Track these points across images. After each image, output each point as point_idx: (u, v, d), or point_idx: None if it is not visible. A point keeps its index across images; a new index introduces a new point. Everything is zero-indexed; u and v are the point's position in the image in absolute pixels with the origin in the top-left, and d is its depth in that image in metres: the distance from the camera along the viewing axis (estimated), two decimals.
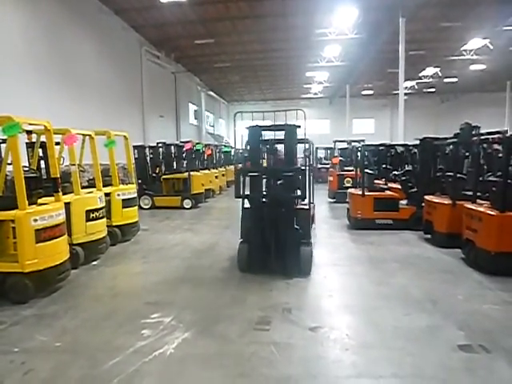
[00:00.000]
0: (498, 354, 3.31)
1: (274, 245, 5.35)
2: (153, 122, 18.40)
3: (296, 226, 5.42)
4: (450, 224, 6.64)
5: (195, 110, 27.46)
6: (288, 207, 5.40)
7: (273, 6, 14.78)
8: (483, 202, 6.04)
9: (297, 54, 21.20)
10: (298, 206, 5.78)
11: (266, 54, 21.08)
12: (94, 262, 6.18)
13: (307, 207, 5.93)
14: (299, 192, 5.34)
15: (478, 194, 6.27)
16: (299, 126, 5.50)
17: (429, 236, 7.46)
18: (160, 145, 13.56)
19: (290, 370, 3.07)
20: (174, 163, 13.78)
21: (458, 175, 6.87)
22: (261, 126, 5.57)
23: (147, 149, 12.90)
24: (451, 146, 7.62)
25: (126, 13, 15.00)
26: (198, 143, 14.74)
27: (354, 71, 23.75)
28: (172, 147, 13.82)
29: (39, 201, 5.15)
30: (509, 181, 5.34)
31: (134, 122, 16.42)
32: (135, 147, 12.02)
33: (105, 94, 14.07)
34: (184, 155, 13.39)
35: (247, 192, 5.54)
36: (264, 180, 5.67)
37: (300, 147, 6.18)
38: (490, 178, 6.11)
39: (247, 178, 5.56)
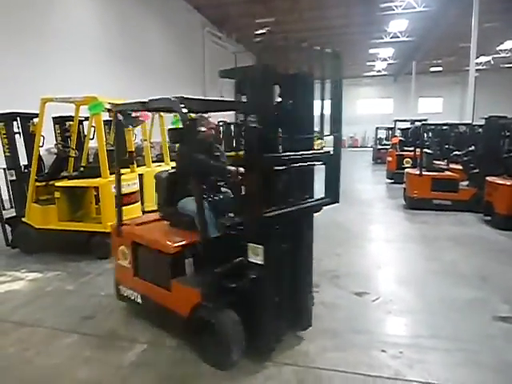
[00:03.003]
0: None
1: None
2: None
3: None
4: None
5: None
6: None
7: None
8: None
9: (360, 31, 20.64)
10: None
11: (328, 31, 20.72)
12: None
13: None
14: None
15: None
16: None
17: (489, 218, 7.28)
18: (220, 124, 14.12)
19: (334, 325, 3.41)
20: (234, 141, 14.32)
21: None
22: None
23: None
24: None
25: None
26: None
27: (421, 47, 22.61)
28: (232, 126, 14.34)
29: None
30: None
31: None
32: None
33: (169, 75, 14.85)
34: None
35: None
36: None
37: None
38: None
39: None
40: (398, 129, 16.37)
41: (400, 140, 13.83)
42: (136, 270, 3.40)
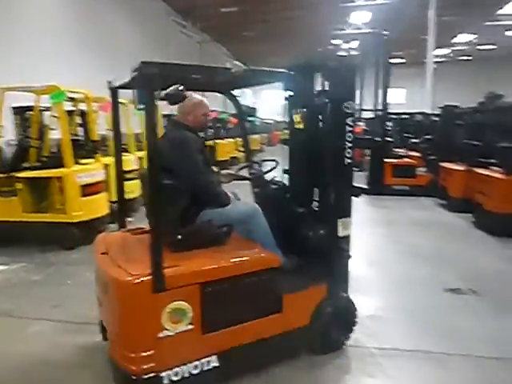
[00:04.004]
0: (484, 296, 3.77)
1: None
2: None
3: None
4: (464, 189, 6.89)
5: None
6: None
7: None
8: (497, 168, 6.25)
9: (322, 21, 20.87)
10: None
11: (291, 21, 20.83)
12: (129, 219, 6.82)
13: None
14: None
15: (493, 160, 6.47)
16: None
17: (444, 201, 7.73)
18: None
19: None
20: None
21: (475, 142, 7.04)
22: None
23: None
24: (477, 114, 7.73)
25: None
26: (223, 112, 15.15)
27: (382, 38, 23.16)
28: None
29: (80, 162, 5.77)
30: None
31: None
32: (164, 116, 12.55)
33: (135, 63, 14.57)
34: (209, 124, 13.86)
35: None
36: None
37: None
38: (503, 145, 6.28)
39: None
40: (363, 118, 16.82)
41: (363, 129, 14.26)
42: (209, 324, 2.34)
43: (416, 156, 9.16)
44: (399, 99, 34.30)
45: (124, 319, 2.22)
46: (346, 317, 2.87)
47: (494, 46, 26.55)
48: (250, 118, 20.92)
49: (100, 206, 5.55)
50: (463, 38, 23.88)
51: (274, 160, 3.15)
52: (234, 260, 2.40)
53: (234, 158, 14.62)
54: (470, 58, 30.23)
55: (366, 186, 8.48)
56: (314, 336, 2.75)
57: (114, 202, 6.40)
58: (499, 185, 5.60)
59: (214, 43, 24.05)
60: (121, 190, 2.93)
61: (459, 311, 3.50)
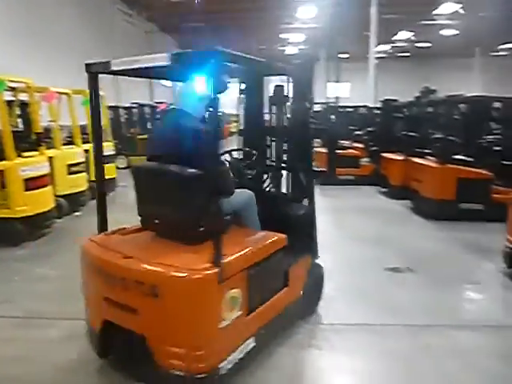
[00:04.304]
0: (419, 273, 4.16)
1: None
2: (126, 82, 18.17)
3: None
4: (402, 178, 7.41)
5: None
6: None
7: None
8: (431, 157, 6.79)
9: (270, 15, 21.10)
10: None
11: (239, 14, 20.88)
12: (77, 213, 6.65)
13: None
14: None
15: (428, 150, 7.01)
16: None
17: (385, 190, 8.24)
18: (134, 105, 13.70)
19: None
20: (149, 124, 14.02)
21: (411, 134, 7.57)
22: None
23: (122, 109, 13.05)
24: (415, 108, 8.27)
25: None
26: (171, 104, 14.92)
27: (328, 34, 23.85)
28: (146, 108, 14.00)
29: (23, 154, 5.52)
30: (449, 138, 6.08)
31: (107, 83, 16.27)
32: (110, 108, 12.16)
33: (78, 54, 13.85)
34: (158, 116, 13.62)
35: None
36: None
37: None
38: (436, 136, 6.83)
39: None
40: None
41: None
42: (250, 306, 2.42)
43: (360, 147, 9.65)
44: (344, 93, 35.57)
45: (189, 316, 2.10)
46: (322, 281, 3.39)
47: (430, 44, 28.26)
48: None
49: (45, 200, 5.35)
50: (403, 35, 25.17)
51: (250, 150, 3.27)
52: (262, 243, 2.55)
53: None
54: (408, 54, 31.93)
55: (323, 169, 8.88)
56: (304, 302, 3.09)
57: (59, 197, 6.21)
58: (432, 173, 6.11)
59: (161, 33, 23.49)
60: (101, 187, 2.75)
61: (398, 287, 3.85)
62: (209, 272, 2.08)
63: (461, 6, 18.73)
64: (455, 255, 4.77)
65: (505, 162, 6.12)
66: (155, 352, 2.13)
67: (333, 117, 10.10)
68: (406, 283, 3.96)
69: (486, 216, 5.79)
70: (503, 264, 4.12)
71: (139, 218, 2.73)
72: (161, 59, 2.17)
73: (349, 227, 5.92)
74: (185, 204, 2.37)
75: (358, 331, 3.08)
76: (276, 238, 2.68)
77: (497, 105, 7.18)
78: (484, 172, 6.00)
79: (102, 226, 2.78)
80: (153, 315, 2.15)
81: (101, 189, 2.77)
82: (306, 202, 3.23)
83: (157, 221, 2.57)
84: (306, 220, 3.14)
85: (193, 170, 2.30)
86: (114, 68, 2.41)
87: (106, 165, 7.88)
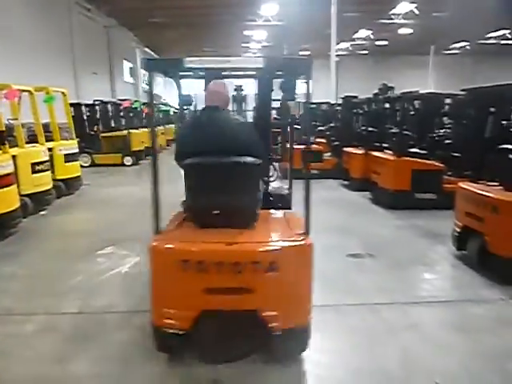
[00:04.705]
0: (379, 258, 4.49)
1: None
2: (86, 78, 17.80)
3: None
4: (362, 171, 7.80)
5: (130, 68, 26.61)
6: None
7: None
8: (389, 151, 7.19)
9: (233, 12, 21.17)
10: None
11: (203, 10, 20.78)
12: (42, 212, 6.56)
13: None
14: None
15: (386, 145, 7.42)
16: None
17: (347, 182, 8.63)
18: (97, 102, 13.44)
19: None
20: (112, 121, 13.80)
21: (370, 129, 7.98)
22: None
23: (84, 107, 12.78)
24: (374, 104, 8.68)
25: None
26: (136, 101, 14.75)
27: (290, 31, 24.23)
28: (109, 105, 13.77)
29: None
30: (404, 132, 6.49)
31: (65, 79, 15.82)
32: (71, 105, 11.88)
33: (34, 49, 13.46)
34: (122, 113, 13.46)
35: None
36: None
37: None
38: (392, 131, 7.25)
39: None
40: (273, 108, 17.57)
41: (275, 118, 14.98)
42: None
43: (323, 142, 10.00)
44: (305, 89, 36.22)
45: (303, 279, 2.54)
46: None
47: (387, 42, 29.31)
48: (164, 108, 20.57)
49: (10, 199, 5.27)
50: (362, 33, 25.97)
51: None
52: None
53: (148, 148, 14.37)
54: (367, 52, 32.92)
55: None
56: None
57: (23, 196, 6.10)
58: (389, 165, 6.51)
59: (120, 28, 22.99)
60: (156, 188, 2.58)
61: (359, 271, 4.15)
62: (309, 238, 2.57)
63: (415, 5, 19.62)
64: (411, 240, 5.15)
65: (455, 154, 6.60)
66: (268, 320, 2.40)
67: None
68: (366, 267, 4.27)
69: (439, 204, 6.20)
70: (453, 247, 4.52)
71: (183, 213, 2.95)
72: (255, 62, 2.70)
73: (313, 218, 6.18)
74: (249, 189, 2.67)
75: (323, 312, 3.31)
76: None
77: (447, 101, 7.69)
78: (436, 164, 6.46)
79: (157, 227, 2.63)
80: (268, 289, 2.40)
81: (156, 195, 2.61)
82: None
83: (216, 211, 2.59)
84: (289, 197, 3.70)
85: (253, 159, 2.57)
86: (188, 66, 2.52)
87: (70, 163, 7.96)
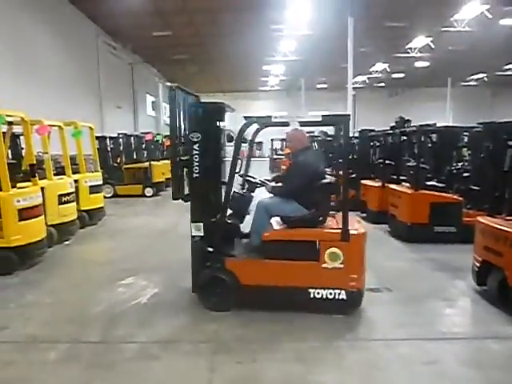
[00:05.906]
0: (396, 292, 4.46)
1: None
2: (110, 112, 18.62)
3: None
4: (380, 203, 7.81)
5: (153, 102, 27.65)
6: None
7: (228, 1, 15.49)
8: (406, 184, 7.23)
9: (253, 48, 21.97)
10: None
11: (223, 47, 21.67)
12: (66, 242, 6.78)
13: None
14: None
15: (403, 177, 7.47)
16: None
17: (364, 214, 8.62)
18: (121, 136, 13.96)
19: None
20: (135, 153, 14.26)
21: (387, 162, 8.05)
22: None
23: (108, 139, 13.30)
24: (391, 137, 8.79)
25: (82, 2, 15.11)
26: (157, 134, 15.26)
27: (308, 66, 24.93)
28: (132, 138, 14.29)
29: (17, 185, 5.70)
30: (421, 165, 6.54)
31: (91, 113, 16.60)
32: (96, 138, 12.39)
33: (62, 85, 14.25)
34: (144, 146, 13.93)
35: None
36: None
37: None
38: (409, 164, 7.31)
39: None
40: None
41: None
42: None
43: (339, 175, 10.05)
44: None
45: None
46: None
47: (404, 75, 29.72)
48: None
49: (38, 229, 5.51)
50: (379, 66, 26.47)
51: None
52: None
53: (169, 179, 14.72)
54: (383, 84, 33.35)
55: None
56: None
57: (49, 226, 6.33)
58: (407, 198, 6.52)
59: (145, 65, 24.11)
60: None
61: (376, 305, 4.11)
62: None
63: (431, 39, 20.01)
64: (429, 274, 5.11)
65: (473, 187, 6.58)
66: None
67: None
68: (383, 301, 4.23)
69: (459, 238, 6.14)
70: (472, 281, 4.46)
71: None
72: (316, 117, 3.91)
73: None
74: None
75: (341, 347, 3.32)
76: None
77: (465, 134, 7.74)
78: (455, 197, 6.45)
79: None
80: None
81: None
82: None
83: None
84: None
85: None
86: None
87: (94, 194, 8.25)
